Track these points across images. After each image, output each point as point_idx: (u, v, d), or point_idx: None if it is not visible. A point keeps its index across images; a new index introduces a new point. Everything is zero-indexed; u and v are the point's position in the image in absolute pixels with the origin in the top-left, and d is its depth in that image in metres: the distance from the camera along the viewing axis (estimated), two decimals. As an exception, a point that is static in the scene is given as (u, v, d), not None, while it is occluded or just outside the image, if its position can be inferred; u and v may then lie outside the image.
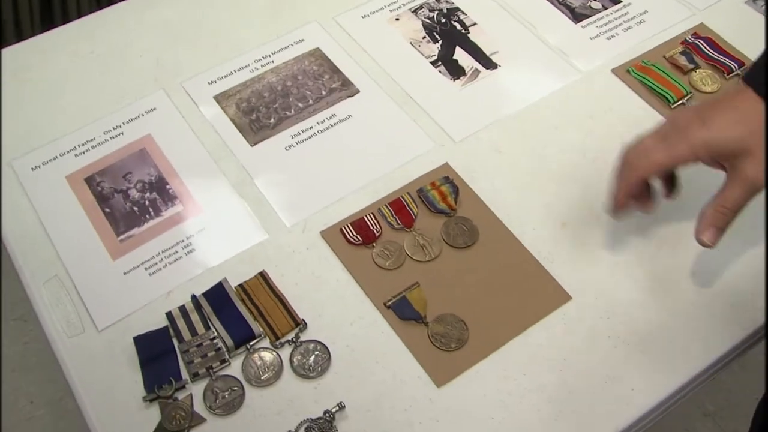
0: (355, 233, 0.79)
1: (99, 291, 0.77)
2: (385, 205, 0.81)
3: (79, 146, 0.88)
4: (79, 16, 1.03)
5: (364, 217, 0.80)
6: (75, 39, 0.98)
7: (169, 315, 0.74)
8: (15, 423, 1.62)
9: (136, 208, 0.83)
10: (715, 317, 0.76)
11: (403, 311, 0.74)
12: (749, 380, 1.58)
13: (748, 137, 0.64)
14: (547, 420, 0.69)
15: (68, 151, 0.88)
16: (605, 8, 1.01)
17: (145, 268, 0.78)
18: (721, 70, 0.94)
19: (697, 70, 0.94)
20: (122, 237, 0.81)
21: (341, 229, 0.79)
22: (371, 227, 0.79)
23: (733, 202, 0.66)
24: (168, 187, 0.84)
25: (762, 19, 1.01)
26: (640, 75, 0.93)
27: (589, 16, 1.00)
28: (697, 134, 0.64)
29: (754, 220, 0.81)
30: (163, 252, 0.79)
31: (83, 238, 0.81)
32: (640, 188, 0.70)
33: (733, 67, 0.94)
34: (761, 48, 0.95)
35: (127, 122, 0.90)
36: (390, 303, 0.75)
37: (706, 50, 0.96)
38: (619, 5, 1.01)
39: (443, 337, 0.73)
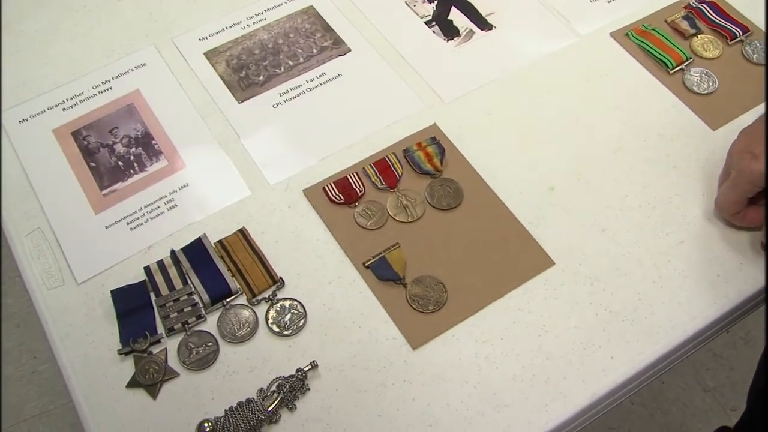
0: (337, 192, 0.78)
1: (80, 244, 0.77)
2: (370, 165, 0.80)
3: (67, 100, 0.87)
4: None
5: (348, 176, 0.79)
6: (68, -8, 0.98)
7: (147, 269, 0.74)
8: (18, 377, 1.64)
9: (120, 163, 0.82)
10: (701, 288, 0.74)
11: (381, 272, 0.73)
12: (752, 358, 1.56)
13: None
14: (522, 386, 0.68)
15: (56, 105, 0.87)
16: (608, -30, 0.98)
17: (127, 223, 0.78)
18: (725, 36, 0.91)
19: (699, 36, 0.91)
20: (106, 191, 0.80)
21: (324, 188, 0.78)
22: (354, 186, 0.78)
23: None
24: (154, 142, 0.83)
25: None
26: (639, 39, 0.91)
27: (591, -22, 0.97)
28: (751, 168, 0.71)
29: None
30: (145, 207, 0.79)
31: (67, 191, 0.81)
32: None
33: (737, 33, 0.91)
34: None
35: (117, 77, 0.89)
36: (369, 263, 0.74)
37: (709, 15, 0.93)
38: (623, -33, 0.99)
39: (421, 299, 0.72)
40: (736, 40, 0.91)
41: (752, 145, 0.72)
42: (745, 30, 0.92)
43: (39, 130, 0.85)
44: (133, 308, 0.72)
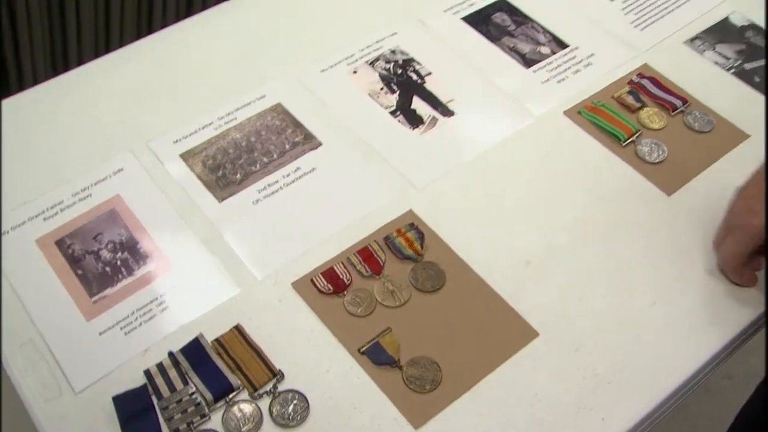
0: (326, 283, 0.81)
1: (75, 353, 0.78)
2: (354, 254, 0.83)
3: (47, 210, 0.89)
4: (36, 83, 1.04)
5: (334, 267, 0.82)
6: (37, 103, 0.99)
7: (147, 373, 0.75)
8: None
9: (108, 269, 0.84)
10: (679, 343, 0.79)
11: (377, 356, 0.76)
12: (714, 405, 1.62)
13: None
14: (522, 455, 0.71)
15: (37, 215, 0.88)
16: (554, 53, 1.05)
17: (121, 328, 0.79)
18: (667, 108, 0.99)
19: (645, 109, 0.98)
20: (96, 298, 0.82)
21: (312, 280, 0.81)
22: (341, 276, 0.81)
23: None
24: (139, 246, 0.85)
25: (698, 57, 1.06)
26: (591, 115, 0.97)
27: (539, 61, 1.04)
28: (752, 224, 0.78)
29: (708, 259, 0.85)
30: (137, 311, 0.80)
31: (56, 301, 0.81)
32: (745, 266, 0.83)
33: (678, 105, 0.99)
34: (701, 85, 1.01)
35: (95, 184, 0.91)
36: (364, 349, 0.77)
37: (651, 89, 1.00)
38: (567, 50, 1.06)
39: (418, 380, 0.75)
40: (678, 110, 0.98)
41: (750, 202, 0.79)
42: (684, 101, 0.99)
43: (22, 241, 0.86)
44: (136, 413, 0.73)
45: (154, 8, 1.80)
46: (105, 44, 1.79)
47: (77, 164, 0.93)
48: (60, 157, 0.94)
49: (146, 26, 1.83)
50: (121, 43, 1.76)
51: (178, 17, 1.85)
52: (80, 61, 1.74)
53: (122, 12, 1.74)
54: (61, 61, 1.77)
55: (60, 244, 0.86)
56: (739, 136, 0.97)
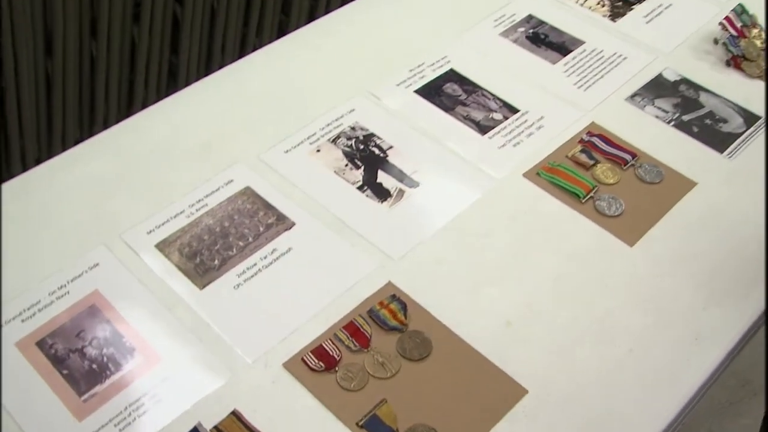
0: (317, 361, 0.82)
1: (69, 455, 0.77)
2: (341, 330, 0.85)
3: (24, 311, 0.88)
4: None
5: (323, 344, 0.84)
6: (4, 202, 0.99)
7: (148, 468, 0.75)
8: None
9: (95, 366, 0.83)
10: (657, 389, 0.83)
11: (376, 428, 0.77)
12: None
13: None
14: None
15: (14, 318, 0.88)
16: (506, 118, 1.11)
17: (115, 425, 0.79)
18: (619, 163, 1.04)
19: (598, 165, 1.04)
20: (85, 397, 0.81)
21: (303, 359, 0.83)
22: (331, 353, 0.83)
23: None
24: (124, 340, 0.85)
25: (640, 112, 1.13)
26: (549, 176, 1.02)
27: (494, 127, 1.09)
28: None
29: (675, 303, 0.90)
30: (130, 406, 0.80)
31: (44, 404, 0.81)
32: None
33: (628, 159, 1.04)
34: (647, 138, 1.07)
35: (72, 280, 0.91)
36: (362, 422, 0.78)
37: (601, 146, 1.06)
38: (518, 114, 1.11)
39: (418, 448, 0.77)
40: (629, 165, 1.04)
41: None
42: (633, 155, 1.05)
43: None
44: None
45: (96, 102, 1.81)
46: (47, 148, 1.78)
47: (50, 262, 0.93)
48: (31, 255, 0.94)
49: (88, 127, 1.83)
50: (64, 144, 1.76)
51: (120, 111, 1.86)
52: (24, 166, 1.73)
53: (64, 106, 1.75)
54: (3, 163, 1.76)
55: (41, 344, 0.85)
56: (687, 185, 1.03)
